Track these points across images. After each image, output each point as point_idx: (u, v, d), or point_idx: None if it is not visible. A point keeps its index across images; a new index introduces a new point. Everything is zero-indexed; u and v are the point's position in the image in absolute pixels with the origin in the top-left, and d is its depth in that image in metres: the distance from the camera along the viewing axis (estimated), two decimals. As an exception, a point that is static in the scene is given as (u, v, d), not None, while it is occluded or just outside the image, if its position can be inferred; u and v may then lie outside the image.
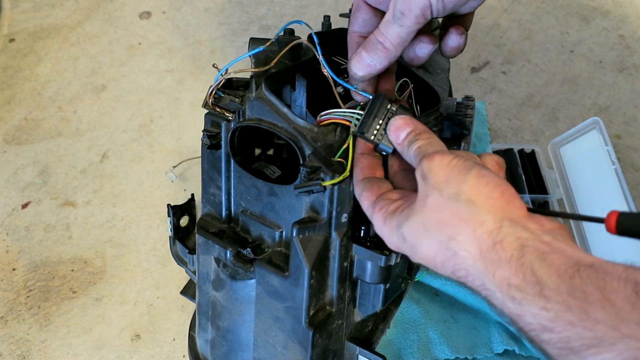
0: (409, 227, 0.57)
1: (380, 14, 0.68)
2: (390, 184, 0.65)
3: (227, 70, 0.72)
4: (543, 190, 1.12)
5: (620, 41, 1.43)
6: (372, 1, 0.69)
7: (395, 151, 0.65)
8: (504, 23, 1.47)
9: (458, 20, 0.70)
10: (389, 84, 0.70)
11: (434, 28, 0.78)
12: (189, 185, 1.19)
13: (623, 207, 1.00)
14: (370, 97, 0.67)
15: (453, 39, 0.69)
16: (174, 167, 1.20)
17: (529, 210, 0.54)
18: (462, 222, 0.52)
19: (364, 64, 0.66)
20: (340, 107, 0.70)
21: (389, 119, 0.65)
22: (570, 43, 1.43)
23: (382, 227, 0.60)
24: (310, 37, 0.72)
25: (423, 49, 0.69)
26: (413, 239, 0.56)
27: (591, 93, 1.33)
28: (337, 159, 0.68)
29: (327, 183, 0.66)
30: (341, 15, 1.12)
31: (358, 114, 0.67)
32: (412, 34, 0.64)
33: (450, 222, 0.53)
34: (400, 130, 0.62)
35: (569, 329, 0.44)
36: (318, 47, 0.71)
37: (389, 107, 0.66)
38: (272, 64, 0.72)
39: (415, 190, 0.59)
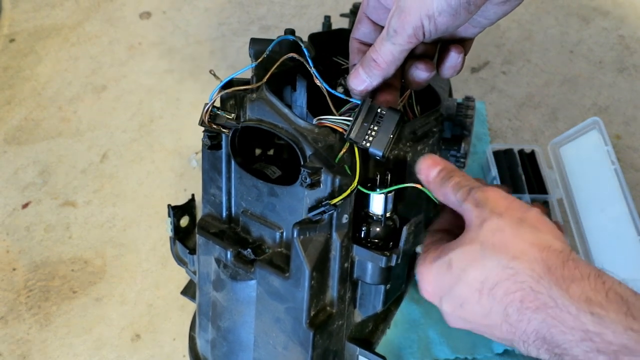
0: (459, 252, 0.56)
1: (380, 28, 0.70)
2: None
3: (220, 88, 0.73)
4: (543, 190, 1.12)
5: (620, 41, 1.43)
6: (373, 16, 0.70)
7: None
8: (504, 23, 1.47)
9: (458, 42, 0.71)
10: (390, 95, 0.70)
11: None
12: (189, 185, 1.19)
13: (623, 207, 1.00)
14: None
15: (451, 58, 0.70)
16: (196, 153, 1.21)
17: None
18: (526, 244, 0.51)
19: (360, 79, 0.68)
20: (334, 114, 0.70)
21: (378, 122, 0.66)
22: (570, 43, 1.43)
23: (424, 259, 0.61)
24: (301, 50, 0.72)
25: (420, 75, 0.70)
26: (462, 263, 0.55)
27: (591, 93, 1.33)
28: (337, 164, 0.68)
29: (336, 200, 0.66)
30: (342, 15, 1.13)
31: (349, 120, 0.68)
32: (405, 52, 0.64)
33: (513, 243, 0.52)
34: (431, 169, 0.63)
35: None
36: (310, 60, 0.71)
37: (378, 110, 0.66)
38: (266, 77, 0.72)
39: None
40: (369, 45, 0.70)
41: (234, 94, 0.74)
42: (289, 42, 0.76)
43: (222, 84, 0.73)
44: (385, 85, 0.70)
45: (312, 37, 0.84)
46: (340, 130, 0.68)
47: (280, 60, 0.72)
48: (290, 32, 0.80)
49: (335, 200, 0.66)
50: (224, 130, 0.73)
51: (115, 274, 1.07)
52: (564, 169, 1.12)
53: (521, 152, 1.17)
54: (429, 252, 0.61)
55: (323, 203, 0.66)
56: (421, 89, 0.76)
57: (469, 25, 0.68)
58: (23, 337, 1.00)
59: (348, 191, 0.66)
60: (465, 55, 0.70)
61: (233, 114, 0.73)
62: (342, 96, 0.71)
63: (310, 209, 0.67)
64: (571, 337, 0.47)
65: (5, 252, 1.10)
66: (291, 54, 0.71)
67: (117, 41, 1.46)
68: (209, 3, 1.53)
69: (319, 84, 0.70)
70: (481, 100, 1.31)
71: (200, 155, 1.20)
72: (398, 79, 0.72)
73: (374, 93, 0.71)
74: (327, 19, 0.98)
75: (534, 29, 1.46)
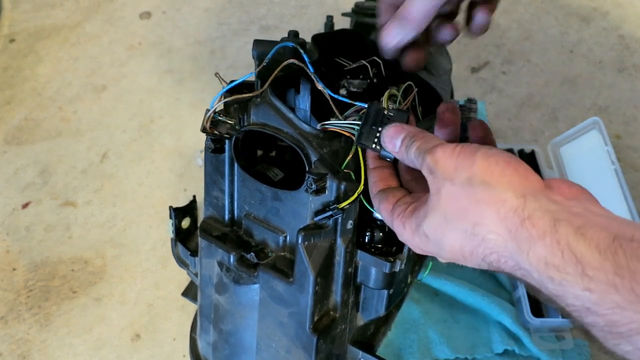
0: (428, 224, 0.55)
1: None
2: (405, 191, 0.64)
3: (222, 96, 0.72)
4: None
5: (620, 41, 1.43)
6: None
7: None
8: (504, 23, 1.47)
9: (484, 2, 0.74)
10: (419, 53, 0.74)
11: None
12: (189, 185, 1.19)
13: (623, 207, 1.00)
14: (366, 105, 0.68)
15: (479, 18, 0.74)
16: (201, 151, 1.21)
17: None
18: (482, 205, 0.50)
19: (393, 34, 0.70)
20: (338, 118, 0.70)
21: (386, 124, 0.65)
22: (570, 43, 1.43)
23: (403, 231, 0.59)
24: (300, 56, 0.72)
25: (445, 36, 0.74)
26: (436, 234, 0.55)
27: (591, 93, 1.34)
28: (342, 169, 0.68)
29: (344, 204, 0.66)
30: (343, 14, 1.12)
31: (356, 124, 0.67)
32: (437, 8, 0.67)
33: (470, 208, 0.51)
34: (395, 138, 0.62)
35: (617, 312, 0.42)
36: (310, 66, 0.71)
37: (385, 112, 0.66)
38: (266, 84, 0.72)
39: (427, 191, 0.58)
40: (397, 6, 0.71)
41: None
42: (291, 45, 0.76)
43: (222, 91, 0.72)
44: (413, 43, 0.72)
45: (315, 38, 0.84)
46: (347, 134, 0.68)
47: (282, 65, 0.71)
48: (294, 34, 0.79)
49: (342, 205, 0.66)
50: (225, 136, 0.73)
51: (115, 274, 1.07)
52: (564, 169, 1.13)
53: (521, 152, 1.17)
54: (400, 218, 0.60)
55: (330, 207, 0.66)
56: (422, 90, 0.77)
57: None
58: (23, 337, 1.00)
59: (355, 195, 0.66)
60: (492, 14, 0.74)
61: (234, 120, 0.73)
62: (346, 100, 0.70)
63: (317, 213, 0.67)
64: (545, 296, 0.48)
65: (5, 252, 1.10)
66: (292, 60, 0.71)
67: (117, 41, 1.45)
68: (209, 3, 1.53)
69: (320, 88, 0.70)
70: (481, 100, 1.31)
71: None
72: (424, 37, 0.74)
73: (402, 52, 0.74)
74: (330, 19, 0.97)
75: (534, 29, 1.46)
